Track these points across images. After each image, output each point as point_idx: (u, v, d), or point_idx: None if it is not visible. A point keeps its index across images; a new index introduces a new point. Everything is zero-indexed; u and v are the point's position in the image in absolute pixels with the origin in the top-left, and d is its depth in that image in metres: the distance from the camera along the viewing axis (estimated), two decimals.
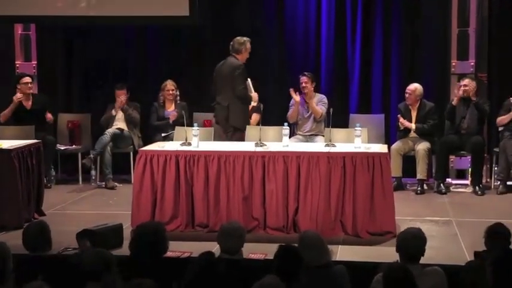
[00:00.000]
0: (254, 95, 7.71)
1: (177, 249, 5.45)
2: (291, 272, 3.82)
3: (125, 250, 4.77)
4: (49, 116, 8.62)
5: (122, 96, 8.72)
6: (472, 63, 8.73)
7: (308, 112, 8.38)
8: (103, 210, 7.33)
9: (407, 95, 8.32)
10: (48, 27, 9.53)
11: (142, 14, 8.95)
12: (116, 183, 8.46)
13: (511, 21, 8.78)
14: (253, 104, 7.98)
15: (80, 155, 8.78)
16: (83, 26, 9.43)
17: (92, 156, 8.45)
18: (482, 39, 8.77)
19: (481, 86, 8.36)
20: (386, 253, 5.51)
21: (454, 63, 8.78)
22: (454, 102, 8.20)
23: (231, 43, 7.52)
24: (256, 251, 5.27)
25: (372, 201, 6.17)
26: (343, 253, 5.58)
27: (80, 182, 8.72)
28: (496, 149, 8.23)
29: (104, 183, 8.50)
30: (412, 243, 4.06)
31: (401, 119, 8.29)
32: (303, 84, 8.30)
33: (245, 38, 7.55)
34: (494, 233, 4.45)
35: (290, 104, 8.45)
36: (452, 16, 8.78)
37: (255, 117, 8.35)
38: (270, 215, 6.29)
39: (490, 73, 8.78)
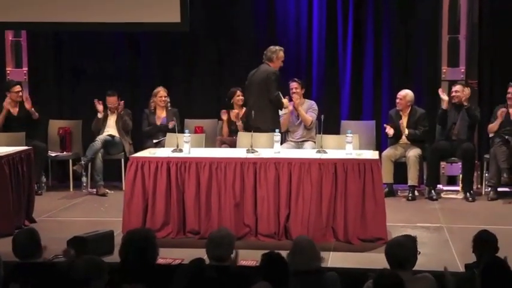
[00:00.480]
0: (285, 101, 7.87)
1: (168, 256, 5.45)
2: (278, 279, 3.82)
3: (116, 257, 4.74)
4: (30, 107, 8.50)
5: (114, 102, 8.71)
6: (463, 70, 8.77)
7: (298, 119, 8.39)
8: (94, 217, 7.31)
9: (398, 101, 8.35)
10: (39, 33, 9.51)
11: (134, 21, 8.94)
12: (107, 190, 8.45)
13: (501, 28, 8.83)
14: (285, 110, 8.08)
15: (70, 161, 8.77)
16: (74, 33, 9.42)
17: (83, 162, 8.43)
18: (472, 46, 8.81)
19: (472, 92, 8.39)
20: (378, 259, 5.50)
21: (444, 70, 8.82)
22: (443, 106, 8.23)
23: (265, 52, 7.77)
24: (248, 257, 5.26)
25: (363, 208, 6.17)
26: (334, 259, 5.58)
27: (71, 189, 8.70)
28: (487, 156, 8.26)
29: (95, 190, 8.49)
30: (398, 251, 4.04)
31: (387, 128, 8.29)
32: (294, 90, 8.31)
33: (277, 47, 7.78)
34: (481, 241, 4.45)
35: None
36: (442, 23, 8.82)
37: None
38: (261, 222, 6.28)
39: (480, 80, 8.82)
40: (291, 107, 8.29)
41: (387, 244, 4.13)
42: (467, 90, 8.22)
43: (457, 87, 8.27)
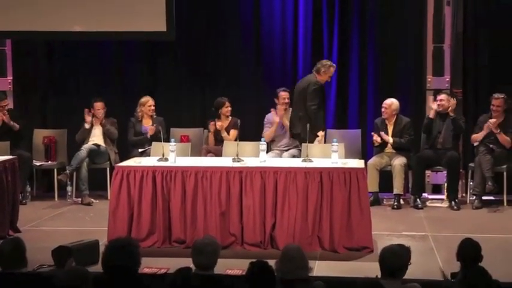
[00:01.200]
0: (320, 135, 7.94)
1: (154, 265, 5.43)
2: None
3: (101, 267, 4.73)
4: (7, 121, 8.49)
5: (100, 110, 8.69)
6: (448, 79, 8.82)
7: (283, 129, 8.40)
8: (79, 226, 7.27)
9: (383, 109, 8.38)
10: (25, 42, 9.47)
11: (120, 30, 8.94)
12: (92, 199, 8.41)
13: (485, 37, 8.89)
14: (318, 139, 7.97)
15: (55, 170, 8.73)
16: (59, 42, 9.40)
17: (68, 172, 8.40)
18: (457, 55, 8.86)
19: (456, 101, 8.42)
20: (363, 268, 5.54)
21: (429, 79, 8.86)
22: (430, 115, 8.28)
23: (317, 62, 8.03)
24: (234, 266, 5.26)
25: (349, 217, 6.18)
26: (320, 268, 5.58)
27: (56, 198, 8.66)
28: (472, 164, 8.30)
29: (80, 199, 8.45)
30: (392, 259, 4.05)
31: (374, 136, 8.33)
32: (286, 100, 8.34)
33: (330, 63, 8.05)
34: (464, 249, 4.47)
35: (265, 122, 8.47)
36: (427, 32, 8.87)
37: (233, 132, 8.36)
38: (247, 231, 6.27)
39: (464, 89, 8.87)
40: (277, 119, 8.31)
41: (382, 251, 4.12)
42: (453, 101, 8.25)
43: (442, 96, 8.31)
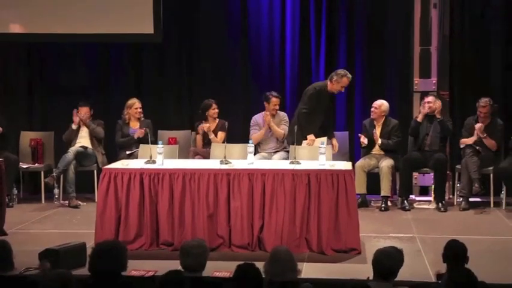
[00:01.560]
0: (308, 141, 7.90)
1: (141, 267, 5.41)
2: None
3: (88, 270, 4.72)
4: None
5: (86, 112, 8.67)
6: (434, 81, 8.86)
7: (270, 132, 8.39)
8: (66, 229, 7.25)
9: (373, 109, 8.40)
10: (10, 44, 9.43)
11: (107, 32, 8.93)
12: (79, 202, 8.38)
13: (472, 39, 8.94)
14: (306, 142, 7.98)
15: (42, 173, 8.69)
16: (45, 43, 9.36)
17: (54, 174, 8.36)
18: (444, 58, 8.90)
19: (443, 104, 8.46)
20: (351, 270, 5.55)
21: (416, 81, 8.90)
22: (419, 119, 8.31)
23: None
24: (221, 269, 5.25)
25: (337, 218, 6.19)
26: (308, 270, 5.58)
27: (43, 201, 8.62)
28: (459, 166, 8.33)
29: (67, 201, 8.41)
30: (386, 262, 4.05)
31: (362, 137, 8.34)
32: (277, 107, 8.33)
33: (344, 72, 7.92)
34: (450, 250, 4.48)
35: (251, 124, 8.45)
36: (414, 34, 8.90)
37: (220, 135, 8.36)
38: (235, 233, 6.27)
39: (451, 91, 8.91)
40: (265, 124, 8.29)
41: (376, 253, 4.12)
42: (438, 103, 8.28)
43: (430, 98, 8.34)
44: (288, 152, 8.14)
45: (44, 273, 4.45)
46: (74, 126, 8.69)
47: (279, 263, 4.05)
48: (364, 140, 8.34)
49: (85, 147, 8.65)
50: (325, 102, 8.05)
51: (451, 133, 8.37)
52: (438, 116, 8.22)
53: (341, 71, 7.96)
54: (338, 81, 7.88)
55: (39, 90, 9.59)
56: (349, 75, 7.92)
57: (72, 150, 8.53)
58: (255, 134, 8.34)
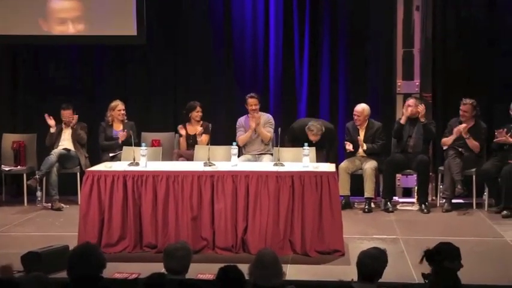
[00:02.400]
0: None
1: (125, 270, 5.40)
2: None
3: None
4: None
5: (69, 115, 8.62)
6: (417, 83, 8.89)
7: (256, 134, 8.36)
8: (49, 231, 7.21)
9: (355, 117, 8.39)
10: None
11: (90, 34, 8.90)
12: (62, 204, 8.34)
13: (454, 42, 8.98)
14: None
15: (25, 176, 8.63)
16: (28, 45, 9.31)
17: (37, 177, 8.31)
18: (426, 60, 8.94)
19: (426, 106, 8.49)
20: (335, 271, 5.55)
21: (399, 83, 8.93)
22: (402, 121, 8.34)
23: None
24: (205, 271, 5.24)
25: (320, 220, 6.20)
26: (292, 272, 5.58)
27: (25, 204, 8.57)
28: (441, 168, 8.37)
29: (50, 204, 8.37)
30: (371, 263, 4.05)
31: (347, 144, 8.36)
32: (253, 107, 8.21)
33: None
34: (436, 253, 4.49)
35: (237, 125, 8.42)
36: (397, 37, 8.93)
37: (204, 137, 8.34)
38: (218, 235, 6.26)
39: (434, 93, 8.95)
40: (253, 125, 8.21)
41: (360, 255, 4.12)
42: (422, 107, 8.28)
43: (410, 102, 8.36)
44: (271, 154, 8.13)
45: (5, 277, 4.39)
46: (52, 130, 8.64)
47: (265, 268, 4.04)
48: (349, 147, 8.34)
49: (68, 150, 8.61)
50: None
51: (435, 136, 8.40)
52: (422, 119, 8.24)
53: None
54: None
55: (22, 92, 9.53)
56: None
57: (55, 152, 8.49)
58: (242, 136, 8.30)
